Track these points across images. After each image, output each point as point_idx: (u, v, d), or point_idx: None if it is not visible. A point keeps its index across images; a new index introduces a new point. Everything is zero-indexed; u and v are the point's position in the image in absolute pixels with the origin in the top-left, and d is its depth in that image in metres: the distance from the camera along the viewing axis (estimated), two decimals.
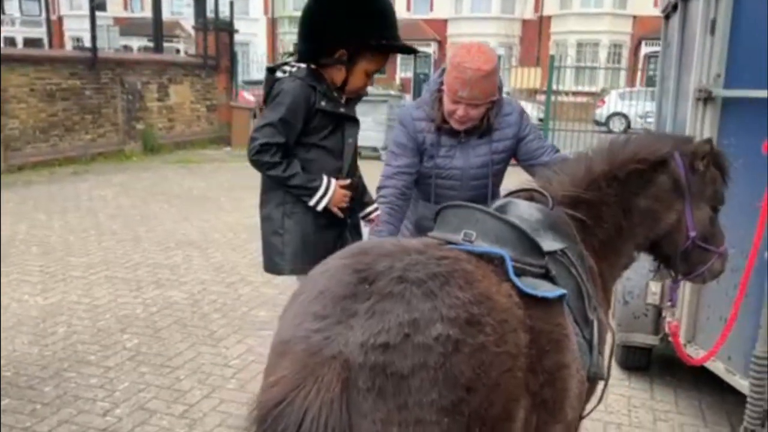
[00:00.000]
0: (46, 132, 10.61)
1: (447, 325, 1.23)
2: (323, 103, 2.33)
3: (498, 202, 1.88)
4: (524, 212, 1.76)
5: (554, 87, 13.97)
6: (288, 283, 5.18)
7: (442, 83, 2.54)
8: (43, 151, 10.50)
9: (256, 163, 2.34)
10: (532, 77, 20.32)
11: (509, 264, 1.48)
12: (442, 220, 1.71)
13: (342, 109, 2.39)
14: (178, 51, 30.14)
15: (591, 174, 1.90)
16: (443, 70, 2.57)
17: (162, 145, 13.29)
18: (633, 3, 30.08)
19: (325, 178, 2.36)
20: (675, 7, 4.22)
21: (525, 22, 31.43)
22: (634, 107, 21.14)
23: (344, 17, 2.24)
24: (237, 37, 16.40)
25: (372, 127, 12.40)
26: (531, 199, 1.87)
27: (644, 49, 29.71)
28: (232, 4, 15.63)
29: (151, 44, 17.94)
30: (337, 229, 2.46)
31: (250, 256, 5.98)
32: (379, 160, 13.30)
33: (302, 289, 1.41)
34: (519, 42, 31.35)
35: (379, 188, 2.62)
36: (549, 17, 30.96)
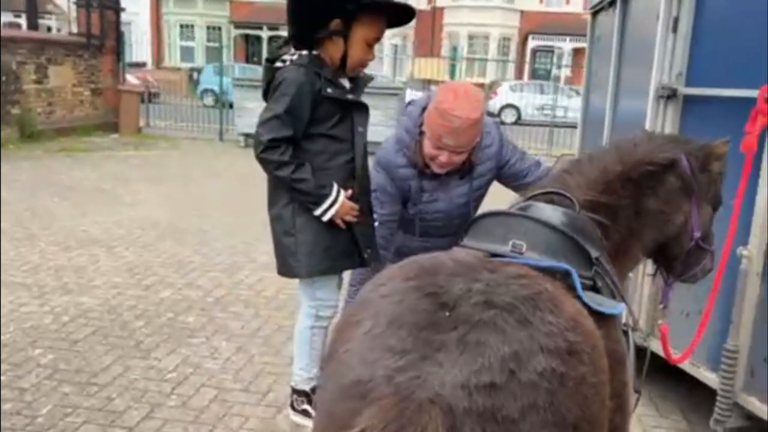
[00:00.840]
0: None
1: (549, 357, 1.08)
2: (329, 90, 2.15)
3: (518, 205, 1.75)
4: (551, 217, 1.65)
5: (450, 78, 14.12)
6: (213, 284, 4.88)
7: (422, 124, 2.38)
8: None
9: (264, 162, 2.16)
10: (434, 68, 20.60)
11: (577, 279, 1.36)
12: (482, 228, 1.55)
13: (350, 96, 2.21)
14: (49, 29, 27.84)
15: (606, 175, 1.82)
16: (423, 109, 2.39)
17: (42, 131, 12.13)
18: None
19: (334, 187, 2.19)
20: (611, 4, 4.30)
21: (419, 13, 31.75)
22: (524, 99, 22.04)
23: None
24: (126, 17, 15.29)
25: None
26: (551, 202, 1.76)
27: (531, 43, 31.01)
28: None
29: (19, 20, 16.33)
30: (351, 229, 2.29)
31: (165, 255, 5.54)
32: None
33: (359, 314, 1.20)
34: (413, 32, 31.69)
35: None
36: (442, 9, 31.51)
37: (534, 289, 1.19)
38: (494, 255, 1.43)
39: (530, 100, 21.49)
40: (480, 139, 2.43)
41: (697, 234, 1.93)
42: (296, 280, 2.49)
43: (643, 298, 3.10)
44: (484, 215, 1.58)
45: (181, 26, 33.48)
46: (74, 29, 15.80)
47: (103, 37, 14.03)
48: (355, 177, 2.28)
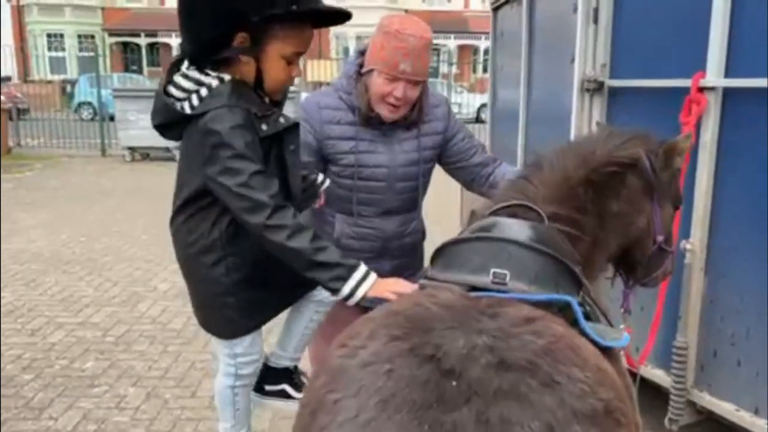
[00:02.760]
0: None
1: (586, 425, 0.86)
2: (264, 128, 1.69)
3: (481, 223, 1.54)
4: (519, 234, 1.45)
5: None
6: (111, 321, 4.37)
7: (361, 65, 2.12)
8: None
9: (273, 230, 1.60)
10: (326, 69, 20.37)
11: (579, 312, 1.15)
12: (453, 256, 1.31)
13: (282, 120, 1.75)
14: None
15: (569, 181, 1.66)
16: (362, 51, 2.15)
17: None
18: None
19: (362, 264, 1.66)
20: None
21: None
22: (445, 97, 22.23)
23: None
24: None
25: None
26: (514, 216, 1.56)
27: None
28: None
29: None
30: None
31: (51, 291, 4.93)
32: (173, 161, 12.21)
33: (337, 390, 0.92)
34: None
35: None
36: None
37: (550, 337, 0.97)
38: (474, 289, 1.20)
39: None
40: (427, 90, 2.22)
41: (660, 237, 1.81)
42: None
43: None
44: (452, 242, 1.34)
45: (49, 36, 31.14)
46: None
47: None
48: (291, 197, 1.82)
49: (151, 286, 5.00)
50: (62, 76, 28.00)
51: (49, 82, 26.95)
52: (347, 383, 0.91)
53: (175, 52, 31.29)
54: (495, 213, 1.56)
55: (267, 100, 1.78)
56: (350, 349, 0.97)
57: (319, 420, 0.90)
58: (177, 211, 1.81)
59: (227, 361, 1.94)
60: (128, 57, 31.47)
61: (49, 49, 30.85)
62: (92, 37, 30.64)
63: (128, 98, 11.74)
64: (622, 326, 2.21)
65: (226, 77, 1.69)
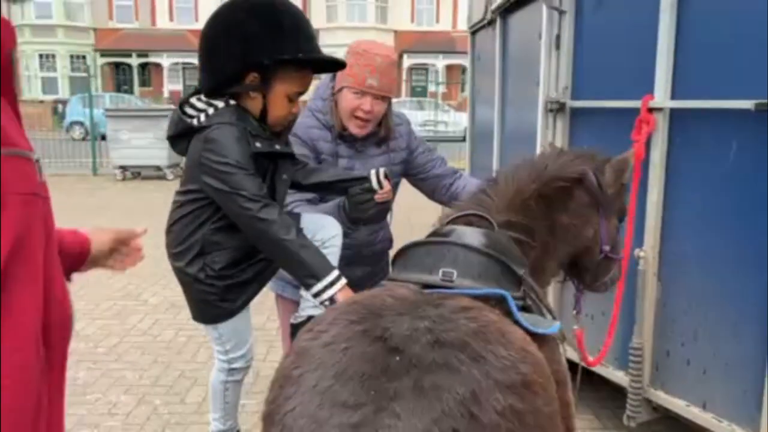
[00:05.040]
0: None
1: (506, 393, 1.04)
2: (258, 145, 1.93)
3: (440, 230, 1.73)
4: (472, 239, 1.64)
5: None
6: (103, 333, 4.50)
7: (334, 87, 2.37)
8: None
9: (263, 223, 1.82)
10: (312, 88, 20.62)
11: (512, 304, 1.34)
12: (410, 259, 1.50)
13: (278, 146, 2.00)
14: None
15: (522, 194, 1.85)
16: (332, 77, 2.39)
17: None
18: (393, 18, 32.16)
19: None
20: (490, 23, 4.47)
21: None
22: (407, 116, 22.52)
23: (252, 34, 1.86)
24: None
25: (154, 143, 11.46)
26: (470, 224, 1.76)
27: (406, 62, 31.88)
28: None
29: None
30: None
31: None
32: (165, 179, 12.39)
33: (301, 366, 1.10)
34: None
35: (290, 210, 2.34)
36: (317, 30, 31.60)
37: (481, 322, 1.16)
38: (426, 286, 1.39)
39: (411, 117, 21.98)
40: (392, 115, 2.46)
41: (606, 247, 2.00)
42: (194, 322, 2.32)
43: (561, 305, 3.20)
44: (409, 246, 1.53)
45: (41, 56, 31.37)
46: None
47: None
48: None
49: (142, 300, 5.15)
50: (54, 96, 28.24)
51: (41, 102, 27.19)
52: (310, 360, 1.09)
53: (166, 72, 31.66)
54: (453, 221, 1.76)
55: (267, 131, 2.02)
56: (314, 333, 1.15)
57: (285, 391, 1.08)
58: (169, 219, 2.03)
59: (220, 358, 2.14)
60: (120, 77, 31.77)
61: (42, 69, 31.08)
62: (84, 57, 30.90)
63: (120, 118, 11.94)
64: (575, 327, 2.42)
65: (232, 102, 1.95)
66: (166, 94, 30.27)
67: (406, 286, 1.36)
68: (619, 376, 2.88)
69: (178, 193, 2.04)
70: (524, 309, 1.47)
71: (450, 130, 17.20)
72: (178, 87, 30.92)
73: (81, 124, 21.01)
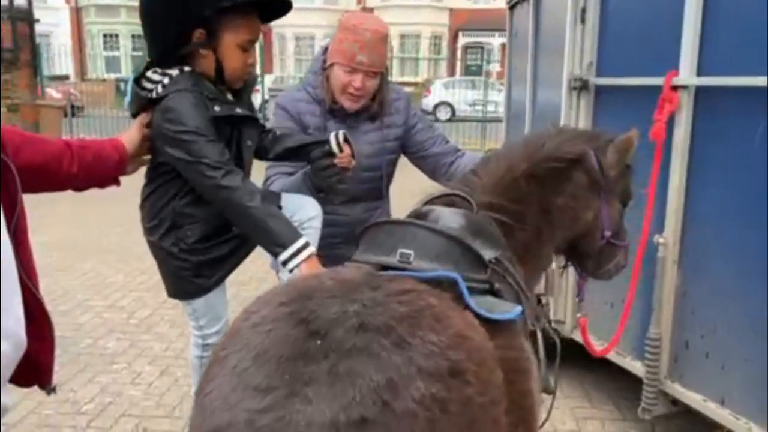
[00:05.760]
0: None
1: (429, 382, 0.99)
2: (217, 109, 1.89)
3: (417, 211, 1.68)
4: (449, 220, 1.58)
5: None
6: (137, 305, 4.64)
7: (325, 61, 2.33)
8: None
9: (226, 191, 1.80)
10: None
11: (464, 287, 1.28)
12: (371, 239, 1.46)
13: (238, 110, 1.97)
14: None
15: (512, 173, 1.77)
16: (326, 49, 2.35)
17: None
18: None
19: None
20: None
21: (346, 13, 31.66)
22: (457, 95, 22.27)
23: None
24: (40, 28, 14.64)
25: None
26: (452, 204, 1.69)
27: (461, 40, 31.37)
28: None
29: None
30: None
31: (85, 277, 5.27)
32: None
33: (228, 347, 1.07)
34: None
35: (270, 183, 2.32)
36: (371, 9, 31.50)
37: (415, 306, 1.11)
38: (385, 268, 1.34)
39: (462, 97, 21.73)
40: (387, 85, 2.42)
41: (608, 232, 1.90)
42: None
43: (568, 290, 3.09)
44: (374, 225, 1.49)
45: (105, 36, 32.37)
46: None
47: (16, 51, 13.37)
48: None
49: None
50: (116, 75, 29.10)
51: (104, 80, 28.05)
52: (236, 341, 1.07)
53: None
54: (433, 201, 1.70)
55: (228, 92, 1.99)
56: (247, 314, 1.13)
57: (210, 371, 1.06)
58: (142, 194, 2.03)
59: (194, 333, 2.15)
60: None
61: (105, 48, 32.09)
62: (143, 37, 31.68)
63: None
64: (578, 315, 2.32)
65: (186, 69, 1.92)
66: None
67: (359, 267, 1.32)
68: (636, 367, 2.77)
69: (148, 169, 2.04)
70: (492, 293, 1.41)
71: (500, 110, 16.84)
72: None
73: None
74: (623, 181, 1.94)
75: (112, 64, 31.63)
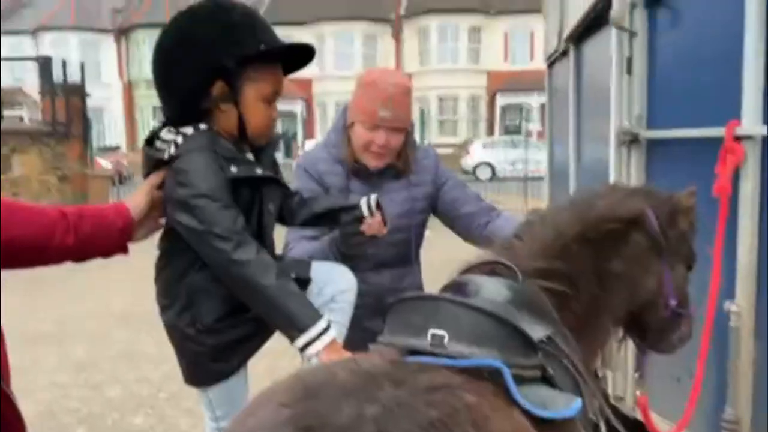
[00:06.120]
0: None
1: None
2: (234, 170, 1.69)
3: (452, 282, 1.48)
4: (491, 292, 1.37)
5: (422, 139, 14.17)
6: (166, 378, 4.48)
7: (346, 120, 2.21)
8: None
9: (237, 266, 1.59)
10: None
11: (509, 378, 1.06)
12: (399, 317, 1.26)
13: (259, 170, 1.76)
14: (21, 119, 27.88)
15: (562, 238, 1.56)
16: (345, 108, 2.23)
17: None
18: (485, 59, 32.04)
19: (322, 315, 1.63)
20: (564, 53, 4.18)
21: None
22: (497, 155, 22.21)
23: (204, 38, 1.68)
24: (90, 102, 15.28)
25: None
26: (493, 273, 1.49)
27: (499, 101, 31.55)
28: (83, 67, 14.55)
29: None
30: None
31: (117, 346, 5.16)
32: None
33: None
34: None
35: (290, 248, 2.15)
36: (410, 74, 32.12)
37: (448, 408, 0.90)
38: (415, 352, 1.14)
39: (502, 156, 21.64)
40: (413, 143, 2.29)
41: (673, 301, 1.67)
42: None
43: (627, 362, 2.79)
44: (401, 300, 1.29)
45: (154, 108, 33.74)
46: (39, 118, 15.73)
47: (69, 124, 13.91)
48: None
49: None
50: None
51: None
52: None
53: None
54: (472, 270, 1.50)
55: (249, 150, 1.82)
56: (242, 416, 0.93)
57: None
58: (156, 266, 1.86)
59: (210, 424, 1.92)
60: None
61: (154, 119, 33.39)
62: None
63: None
64: (638, 392, 2.04)
65: (202, 126, 1.74)
66: None
67: (382, 353, 1.12)
68: None
69: (161, 238, 1.85)
70: (545, 381, 1.19)
71: (542, 168, 16.66)
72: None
73: None
74: (686, 242, 1.73)
75: None
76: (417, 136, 15.60)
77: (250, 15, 1.74)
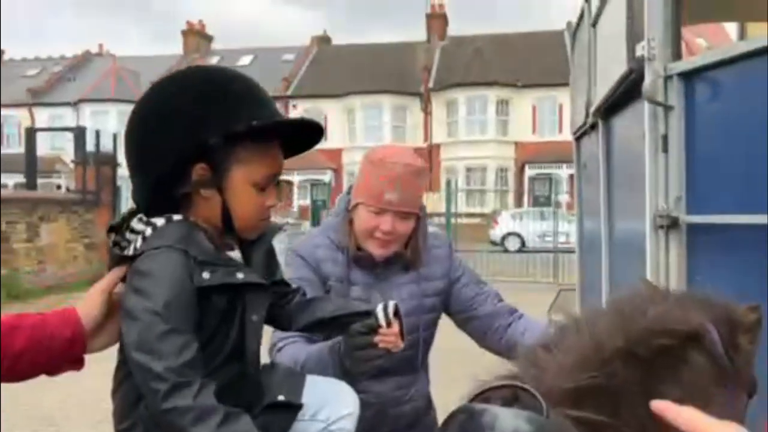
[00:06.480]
0: None
1: None
2: (206, 276, 1.35)
3: (464, 411, 1.20)
4: (507, 427, 1.09)
5: (448, 210, 14.02)
6: None
7: (349, 203, 1.97)
8: None
9: (170, 414, 1.26)
10: (429, 201, 20.74)
11: None
12: None
13: (240, 276, 1.41)
14: (59, 187, 28.62)
15: (601, 351, 1.27)
16: (350, 188, 2.00)
17: (30, 290, 11.79)
18: (513, 130, 32.25)
19: None
20: (593, 127, 3.98)
21: (416, 150, 32.50)
22: (525, 226, 21.90)
23: (185, 109, 1.38)
24: (121, 171, 15.57)
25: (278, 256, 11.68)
26: (515, 399, 1.20)
27: (528, 172, 31.48)
28: (115, 137, 14.92)
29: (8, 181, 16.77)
30: None
31: None
32: None
33: None
34: None
35: (278, 349, 1.86)
36: (438, 145, 32.40)
37: None
38: None
39: (532, 228, 21.32)
40: (425, 228, 2.02)
41: None
42: None
43: None
44: None
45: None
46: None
47: (98, 192, 14.14)
48: (241, 394, 1.42)
49: None
50: None
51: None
52: None
53: (297, 189, 33.42)
54: (485, 395, 1.22)
55: (236, 244, 1.51)
56: None
57: None
58: (113, 377, 1.57)
59: None
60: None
61: None
62: None
63: None
64: None
65: (176, 217, 1.42)
66: (294, 209, 31.80)
67: None
68: None
69: (119, 348, 1.57)
70: None
71: (572, 240, 16.29)
72: (306, 202, 32.45)
73: None
74: (749, 365, 1.42)
75: None
76: (443, 207, 15.42)
77: (249, 85, 1.45)
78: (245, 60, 37.46)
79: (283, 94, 34.31)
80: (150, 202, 1.44)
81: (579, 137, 4.65)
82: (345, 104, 33.16)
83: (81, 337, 1.36)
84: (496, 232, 23.11)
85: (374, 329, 1.56)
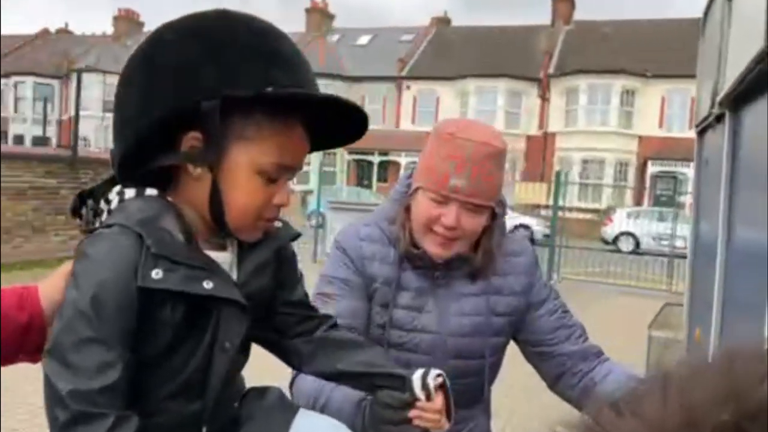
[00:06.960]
0: (10, 232, 9.83)
1: None
2: (156, 275, 1.00)
3: None
4: None
5: (559, 202, 13.29)
6: None
7: (410, 186, 1.56)
8: (4, 252, 9.69)
9: None
10: (536, 192, 19.92)
11: None
12: None
13: (207, 285, 1.04)
14: None
15: (695, 423, 0.93)
16: (413, 170, 1.60)
17: None
18: (638, 123, 30.27)
19: None
20: (718, 119, 3.48)
21: (529, 138, 31.59)
22: (642, 227, 20.54)
23: (183, 60, 1.03)
24: None
25: None
26: None
27: (650, 169, 29.54)
28: None
29: None
30: None
31: None
32: None
33: None
34: (523, 157, 31.38)
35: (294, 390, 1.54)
36: (554, 134, 31.09)
37: None
38: None
39: (648, 229, 19.93)
40: (503, 227, 1.59)
41: None
42: None
43: None
44: None
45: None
46: None
47: None
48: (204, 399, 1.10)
49: None
50: (304, 187, 31.32)
51: (293, 192, 30.44)
52: None
53: (403, 169, 33.48)
54: None
55: (228, 240, 1.15)
56: None
57: None
58: None
59: None
60: (360, 172, 34.45)
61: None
62: (334, 154, 34.10)
63: (339, 209, 13.06)
64: None
65: (150, 191, 1.10)
66: None
67: None
68: None
69: None
70: None
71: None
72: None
73: (320, 212, 22.87)
74: None
75: (302, 177, 34.29)
76: (550, 201, 14.54)
77: (276, 42, 1.08)
78: (363, 39, 37.70)
79: (398, 75, 34.31)
80: (125, 172, 1.11)
81: (702, 131, 4.13)
82: (459, 87, 32.50)
83: (41, 323, 1.09)
84: (609, 231, 21.85)
85: (409, 404, 1.20)
